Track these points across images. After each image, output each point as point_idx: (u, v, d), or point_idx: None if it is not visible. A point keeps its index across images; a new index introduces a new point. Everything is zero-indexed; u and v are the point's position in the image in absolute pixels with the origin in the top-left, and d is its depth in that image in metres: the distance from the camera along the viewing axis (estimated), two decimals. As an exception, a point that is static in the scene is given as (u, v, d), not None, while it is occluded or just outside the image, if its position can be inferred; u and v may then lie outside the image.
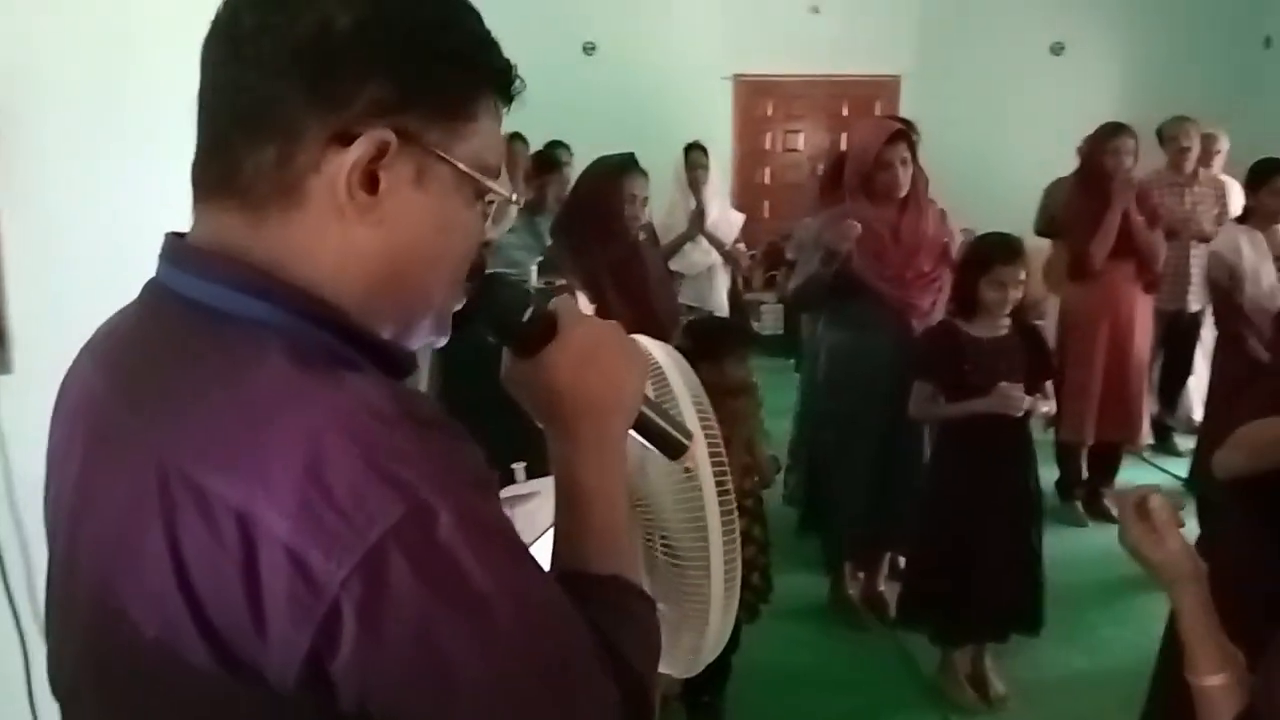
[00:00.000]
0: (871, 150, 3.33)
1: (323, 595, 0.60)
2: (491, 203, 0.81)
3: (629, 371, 0.87)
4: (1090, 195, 4.23)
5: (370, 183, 0.71)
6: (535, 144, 5.68)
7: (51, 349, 1.08)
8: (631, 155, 3.17)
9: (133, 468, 0.67)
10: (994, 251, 2.94)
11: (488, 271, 0.89)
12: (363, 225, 0.71)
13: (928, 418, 3.12)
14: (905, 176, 3.32)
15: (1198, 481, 3.83)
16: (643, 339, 1.38)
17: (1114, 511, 4.46)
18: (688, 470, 1.25)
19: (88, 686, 0.74)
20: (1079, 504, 4.57)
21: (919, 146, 3.69)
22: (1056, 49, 8.02)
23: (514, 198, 0.84)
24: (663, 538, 1.32)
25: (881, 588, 3.71)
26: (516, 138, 5.93)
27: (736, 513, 1.29)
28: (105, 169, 1.36)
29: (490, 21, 0.77)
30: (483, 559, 0.65)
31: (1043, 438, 4.77)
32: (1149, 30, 7.81)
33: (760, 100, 8.38)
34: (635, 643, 0.78)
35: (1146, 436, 4.44)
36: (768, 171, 8.51)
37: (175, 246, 0.75)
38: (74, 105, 1.35)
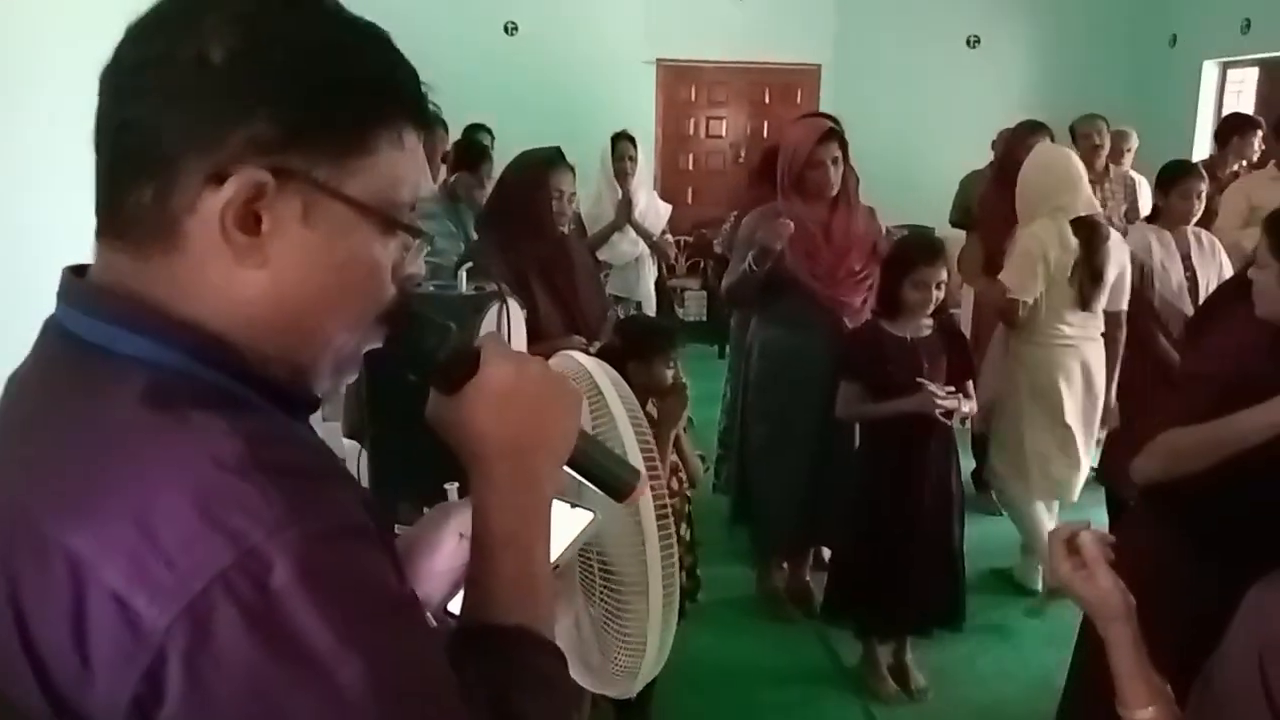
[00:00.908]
0: (804, 149, 3.34)
1: (147, 643, 0.59)
2: (416, 235, 0.78)
3: (556, 411, 0.84)
4: (1006, 191, 4.30)
5: (252, 223, 0.68)
6: (455, 123, 5.58)
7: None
8: (558, 149, 3.10)
9: None
10: (916, 252, 2.99)
11: (410, 308, 0.83)
12: (246, 267, 0.69)
13: (854, 417, 3.16)
14: (836, 176, 3.35)
15: (1106, 475, 3.94)
16: (580, 356, 1.36)
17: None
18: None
19: None
20: (994, 494, 4.69)
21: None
22: (972, 42, 8.17)
23: (421, 241, 0.79)
24: (601, 559, 1.31)
25: (808, 579, 3.76)
26: (435, 122, 5.79)
27: (675, 538, 1.28)
28: (5, 197, 1.28)
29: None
30: (326, 613, 0.61)
31: (961, 429, 4.88)
32: (1060, 26, 8.01)
33: (683, 85, 8.37)
34: (535, 701, 0.76)
35: None
36: (691, 157, 8.53)
37: (67, 282, 0.73)
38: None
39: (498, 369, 0.82)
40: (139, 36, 0.69)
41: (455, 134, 5.17)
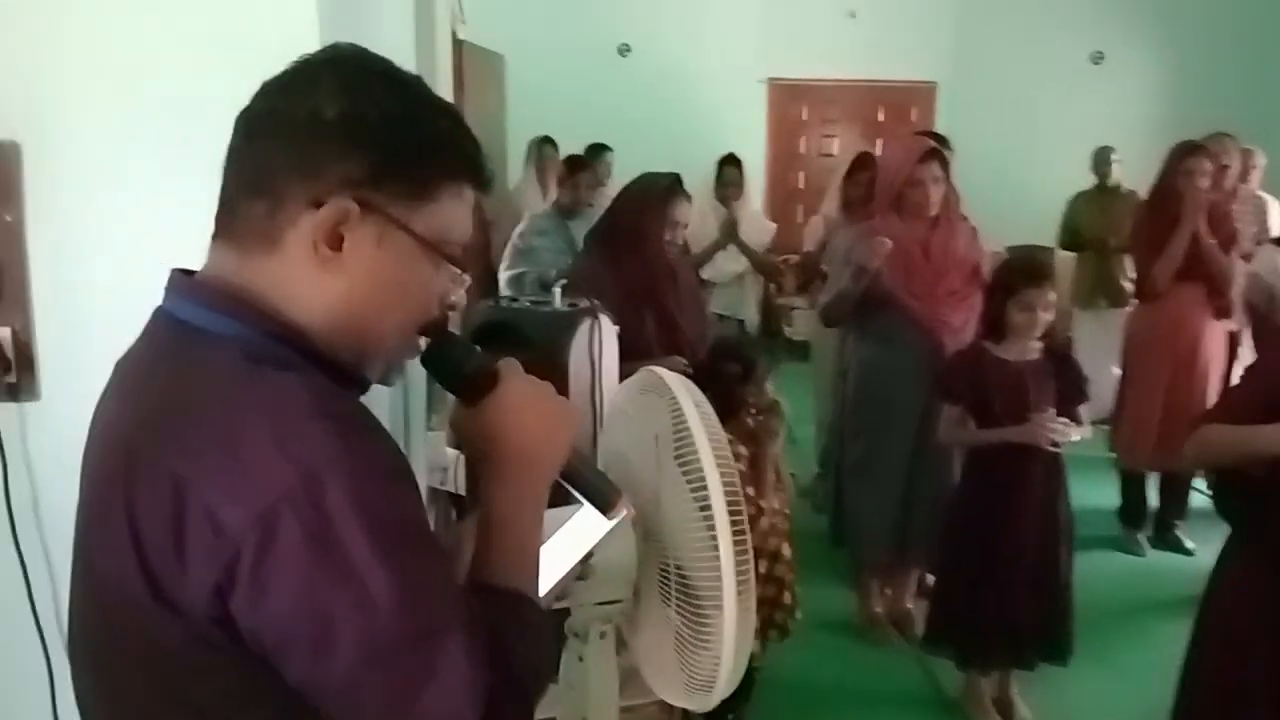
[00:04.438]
0: (904, 168, 3.31)
1: (228, 542, 0.76)
2: (461, 269, 0.96)
3: (555, 428, 1.03)
4: (1160, 215, 4.12)
5: (337, 240, 0.86)
6: (569, 144, 5.70)
7: (76, 376, 1.12)
8: (678, 178, 3.06)
9: (114, 452, 0.84)
10: (1021, 274, 2.90)
11: (444, 326, 1.03)
12: (327, 273, 0.87)
13: (957, 442, 3.08)
14: (936, 195, 3.30)
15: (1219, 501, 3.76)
16: (663, 373, 1.38)
17: (1186, 544, 4.35)
18: (704, 511, 1.26)
19: (77, 635, 0.93)
20: (1141, 535, 4.46)
21: (953, 158, 3.66)
22: (1096, 58, 7.93)
23: (464, 276, 0.99)
24: (679, 574, 1.32)
25: (909, 605, 3.69)
26: (546, 142, 5.96)
27: (750, 552, 1.29)
28: (128, 200, 1.39)
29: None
30: (368, 532, 0.78)
31: (1099, 455, 4.68)
32: (1189, 41, 7.72)
33: (795, 104, 8.36)
34: (523, 644, 0.92)
35: None
36: (802, 176, 8.49)
37: (174, 277, 0.92)
38: (100, 136, 1.37)
39: (513, 389, 1.01)
40: (269, 92, 0.88)
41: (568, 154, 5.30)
